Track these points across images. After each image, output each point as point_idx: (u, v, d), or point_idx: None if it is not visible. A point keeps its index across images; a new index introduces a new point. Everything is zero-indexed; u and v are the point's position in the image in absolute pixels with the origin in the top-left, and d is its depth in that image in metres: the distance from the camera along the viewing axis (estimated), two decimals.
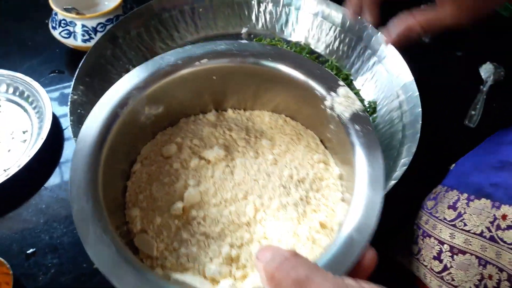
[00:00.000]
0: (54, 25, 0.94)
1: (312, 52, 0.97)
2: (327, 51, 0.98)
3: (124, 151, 0.53)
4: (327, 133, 0.58)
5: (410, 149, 0.73)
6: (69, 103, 0.75)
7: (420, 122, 0.75)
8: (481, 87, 0.96)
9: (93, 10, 1.01)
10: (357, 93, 0.91)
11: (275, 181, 0.55)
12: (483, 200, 0.61)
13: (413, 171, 0.67)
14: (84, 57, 0.82)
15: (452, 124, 0.91)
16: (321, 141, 0.61)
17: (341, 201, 0.54)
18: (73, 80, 0.78)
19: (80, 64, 0.81)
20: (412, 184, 0.67)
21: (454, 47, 1.07)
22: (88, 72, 0.82)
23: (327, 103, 0.54)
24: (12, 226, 0.71)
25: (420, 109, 0.77)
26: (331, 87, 0.54)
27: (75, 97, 0.77)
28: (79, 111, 0.77)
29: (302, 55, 0.58)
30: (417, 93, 0.79)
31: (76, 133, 0.72)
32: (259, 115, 0.64)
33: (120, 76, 0.87)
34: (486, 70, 0.99)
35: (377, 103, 0.88)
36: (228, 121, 0.62)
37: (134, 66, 0.90)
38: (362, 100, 0.89)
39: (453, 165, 0.75)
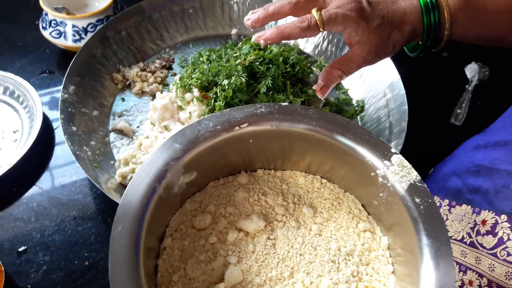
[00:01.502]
0: (44, 25, 0.94)
1: (301, 52, 0.99)
2: (316, 51, 1.00)
3: (154, 225, 0.48)
4: (372, 199, 0.54)
5: (397, 146, 0.75)
6: (59, 102, 0.76)
7: (407, 119, 0.77)
8: (467, 86, 0.98)
9: (84, 10, 1.01)
10: (345, 92, 0.92)
11: (322, 255, 0.50)
12: (464, 206, 0.63)
13: None
14: (75, 56, 0.82)
15: (438, 122, 0.93)
16: (363, 205, 0.57)
17: (391, 274, 0.51)
18: (64, 79, 0.79)
19: (71, 63, 0.81)
20: None
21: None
22: (79, 71, 0.83)
23: (380, 172, 0.51)
24: (3, 224, 0.71)
25: (406, 107, 0.79)
26: (384, 155, 0.52)
27: (66, 96, 0.78)
28: (69, 109, 0.77)
29: (349, 119, 0.58)
30: (403, 91, 0.81)
31: (66, 132, 0.73)
32: (292, 175, 0.60)
33: (110, 75, 0.89)
34: (471, 70, 1.01)
35: (365, 101, 0.89)
36: (260, 183, 0.58)
37: (124, 66, 0.91)
38: (350, 99, 0.91)
39: (432, 169, 0.76)
